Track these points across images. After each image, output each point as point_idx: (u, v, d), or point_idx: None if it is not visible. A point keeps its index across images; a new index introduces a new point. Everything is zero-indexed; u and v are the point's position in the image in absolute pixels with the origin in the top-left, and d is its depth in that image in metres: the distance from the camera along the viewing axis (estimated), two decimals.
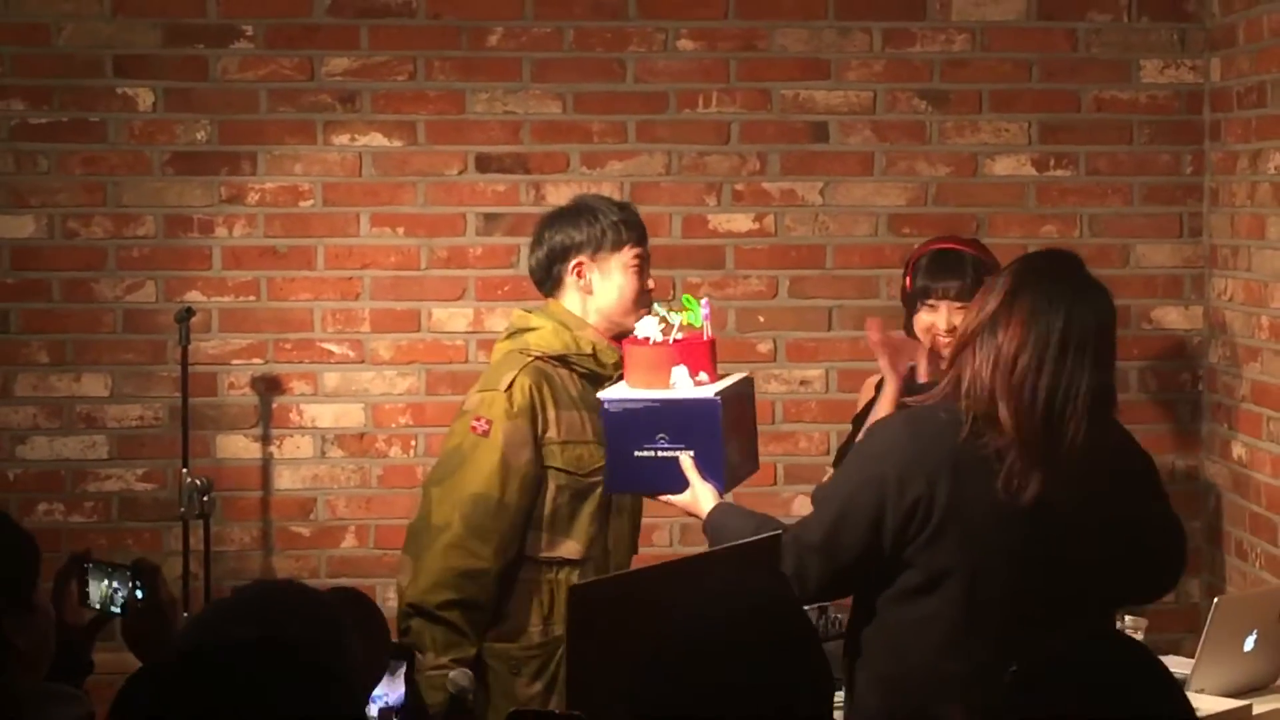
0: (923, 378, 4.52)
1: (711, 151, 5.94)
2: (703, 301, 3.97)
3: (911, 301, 4.78)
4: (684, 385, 3.81)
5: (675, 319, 3.90)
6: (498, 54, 5.90)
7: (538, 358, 4.29)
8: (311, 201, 5.88)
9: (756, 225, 5.96)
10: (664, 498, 3.79)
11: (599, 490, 4.24)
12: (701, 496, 3.73)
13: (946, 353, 4.80)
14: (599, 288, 4.34)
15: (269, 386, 5.84)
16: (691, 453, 3.74)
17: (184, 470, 5.49)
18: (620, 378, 4.18)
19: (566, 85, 5.91)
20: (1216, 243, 5.87)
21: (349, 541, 5.89)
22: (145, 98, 5.85)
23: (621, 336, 4.19)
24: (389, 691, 3.31)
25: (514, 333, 4.40)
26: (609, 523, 4.37)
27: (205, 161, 5.86)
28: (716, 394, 3.79)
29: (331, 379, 5.88)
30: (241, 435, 5.87)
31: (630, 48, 5.92)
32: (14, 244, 5.83)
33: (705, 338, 3.92)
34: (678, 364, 3.82)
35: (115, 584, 3.21)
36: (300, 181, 5.88)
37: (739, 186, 5.95)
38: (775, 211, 5.96)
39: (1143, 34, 5.96)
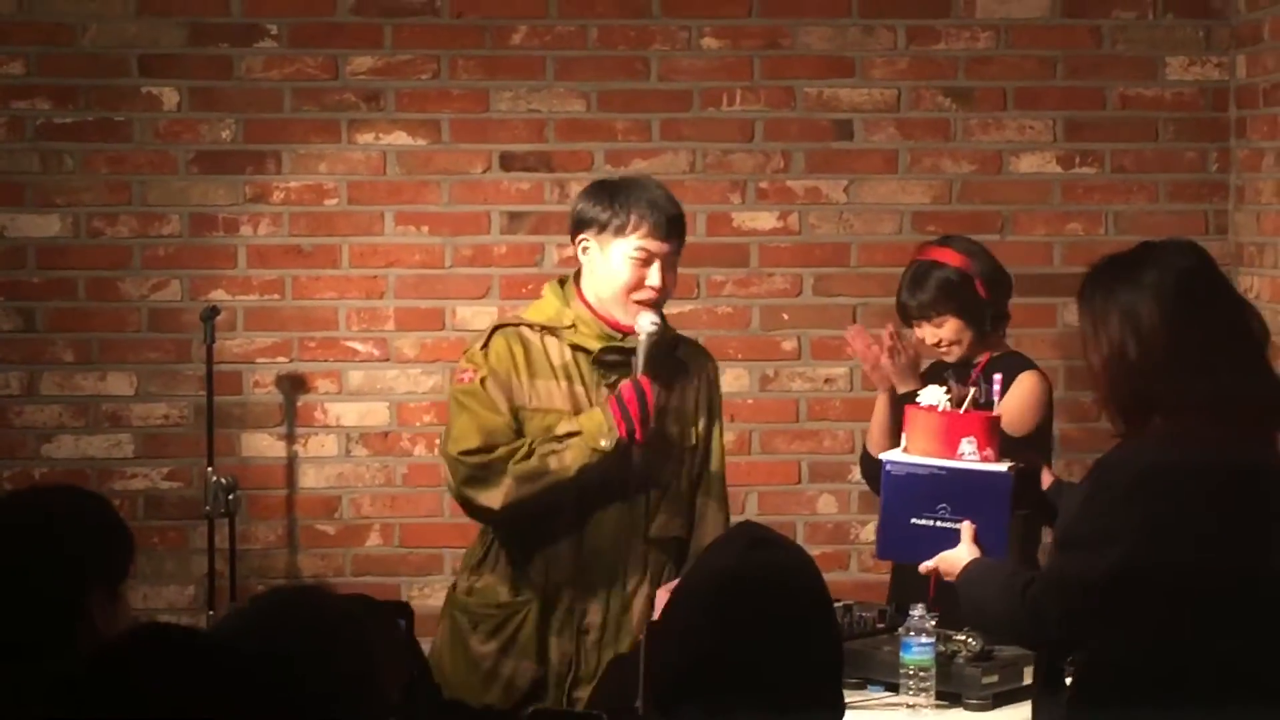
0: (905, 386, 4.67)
1: (736, 150, 5.94)
2: (995, 378, 3.97)
3: (903, 318, 4.98)
4: (971, 458, 3.76)
5: (967, 389, 3.92)
6: (521, 52, 5.90)
7: (521, 324, 4.30)
8: (336, 200, 5.89)
9: (781, 223, 5.95)
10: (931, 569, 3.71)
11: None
12: (965, 555, 3.64)
13: (948, 359, 4.91)
14: (599, 269, 4.29)
15: (294, 385, 5.85)
16: (971, 524, 3.68)
17: (209, 469, 5.50)
18: (607, 355, 4.21)
19: (590, 83, 5.91)
20: (1242, 240, 5.86)
21: (374, 540, 5.89)
22: (170, 97, 5.86)
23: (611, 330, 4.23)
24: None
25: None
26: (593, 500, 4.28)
27: (230, 160, 5.87)
28: (1010, 469, 3.75)
29: (356, 378, 5.88)
30: (266, 434, 5.88)
31: (654, 46, 5.92)
32: (40, 243, 5.84)
33: (994, 414, 3.89)
34: (969, 435, 3.77)
35: None
36: (325, 180, 5.89)
37: (763, 184, 5.95)
38: (799, 209, 5.95)
39: (1167, 31, 5.95)
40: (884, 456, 3.83)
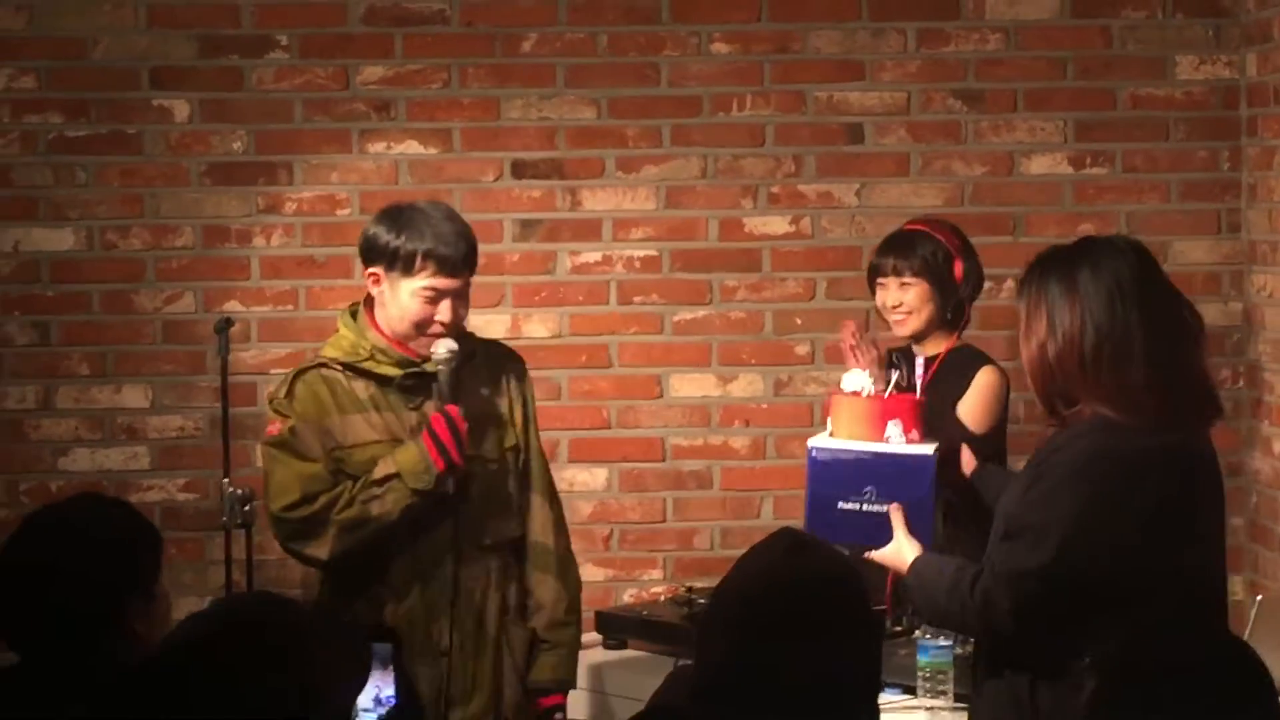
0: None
1: (746, 154, 5.94)
2: (919, 361, 3.95)
3: (870, 285, 4.95)
4: (897, 441, 3.75)
5: (891, 374, 3.88)
6: (531, 60, 5.90)
7: (321, 364, 4.27)
8: (348, 210, 5.90)
9: (793, 227, 5.95)
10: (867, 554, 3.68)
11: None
12: (905, 550, 3.62)
13: (898, 330, 4.89)
14: (389, 303, 4.25)
15: None
16: (899, 506, 3.66)
17: (225, 480, 5.49)
18: (408, 380, 4.19)
19: (601, 90, 5.92)
20: (1255, 238, 5.85)
21: None
22: (181, 109, 5.87)
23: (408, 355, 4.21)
24: (379, 682, 3.31)
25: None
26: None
27: (242, 172, 5.88)
28: (935, 451, 3.74)
29: None
30: None
31: (664, 52, 5.93)
32: (53, 257, 5.86)
33: (918, 396, 3.88)
34: (894, 419, 3.76)
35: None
36: (337, 190, 5.90)
37: (775, 189, 5.95)
38: (811, 213, 5.95)
39: (1177, 30, 5.94)
40: (810, 442, 3.81)
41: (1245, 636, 4.10)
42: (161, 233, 5.88)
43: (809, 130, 5.94)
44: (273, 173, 5.89)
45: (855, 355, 4.74)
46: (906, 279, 4.84)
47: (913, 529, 3.64)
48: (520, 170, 5.92)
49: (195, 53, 5.86)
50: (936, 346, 4.87)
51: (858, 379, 3.85)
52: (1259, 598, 4.20)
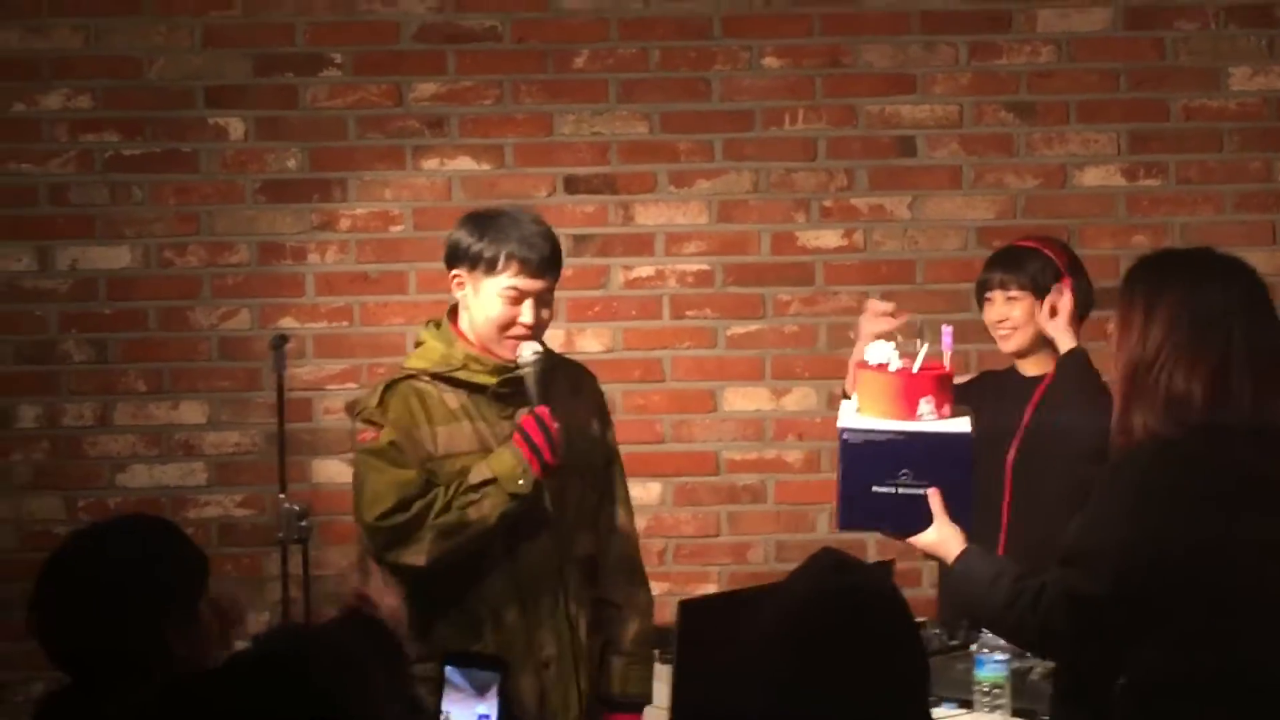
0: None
1: (799, 168, 5.95)
2: (945, 331, 3.71)
3: (978, 300, 4.88)
4: (930, 419, 3.57)
5: (919, 346, 3.67)
6: (584, 76, 5.92)
7: (410, 375, 4.24)
8: (402, 227, 5.92)
9: (845, 241, 5.96)
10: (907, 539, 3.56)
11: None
12: (950, 539, 3.49)
13: (1003, 345, 4.84)
14: (472, 305, 4.24)
15: None
16: (937, 490, 3.51)
17: (281, 495, 5.52)
18: (503, 388, 4.15)
19: (653, 105, 5.93)
20: None
21: None
22: (236, 127, 5.91)
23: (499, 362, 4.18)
24: (481, 709, 3.29)
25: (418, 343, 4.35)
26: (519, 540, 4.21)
27: (296, 189, 5.91)
28: (970, 426, 3.57)
29: None
30: (337, 460, 5.91)
31: (715, 66, 5.94)
32: (110, 274, 5.90)
33: (947, 368, 3.68)
34: (925, 395, 3.58)
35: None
36: (390, 207, 5.93)
37: (827, 203, 5.95)
38: (864, 227, 5.95)
39: (1231, 41, 5.93)
40: (840, 423, 3.61)
41: None
42: (217, 250, 5.92)
43: (861, 144, 5.94)
44: (327, 190, 5.92)
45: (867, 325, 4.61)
46: (1013, 293, 4.75)
47: (951, 511, 3.50)
48: (573, 186, 5.94)
49: (250, 71, 5.90)
50: (1040, 366, 4.79)
51: (882, 350, 3.67)
52: None
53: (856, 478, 3.53)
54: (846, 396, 4.80)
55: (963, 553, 3.48)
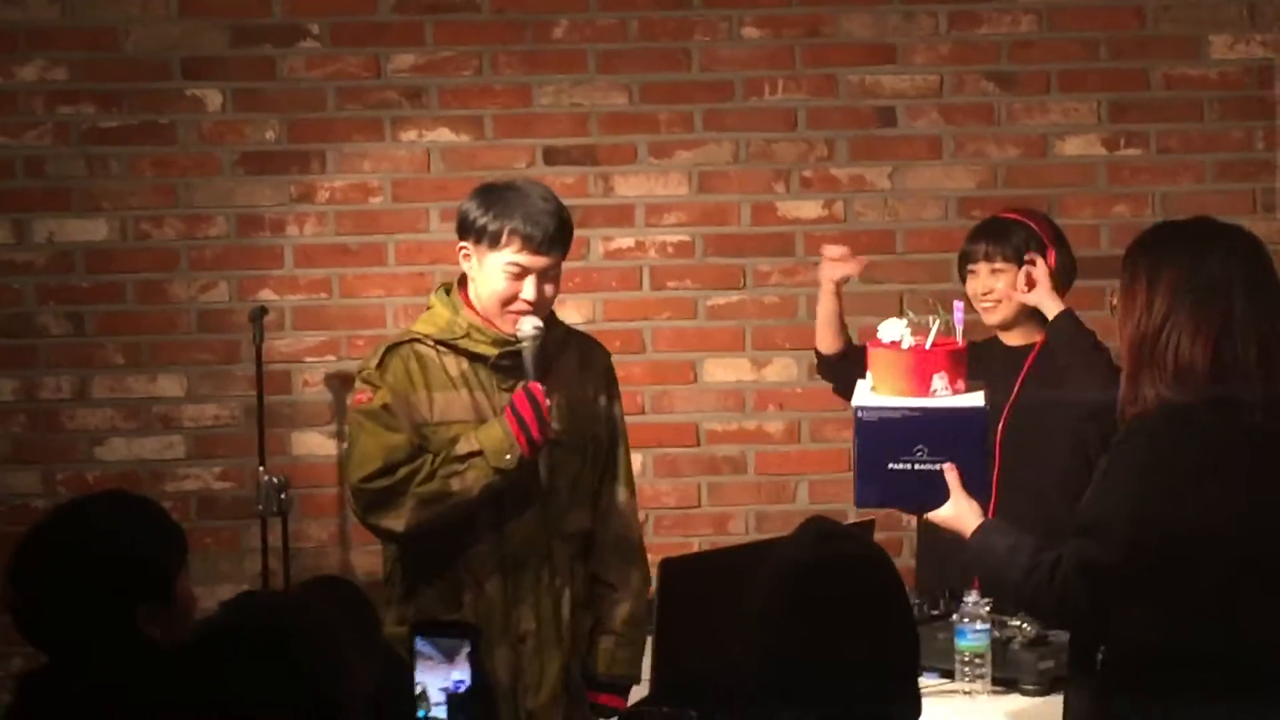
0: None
1: (779, 139, 5.94)
2: (957, 305, 3.77)
3: (961, 272, 4.86)
4: (944, 395, 3.61)
5: (932, 322, 3.70)
6: (563, 46, 5.90)
7: (414, 339, 4.23)
8: (381, 198, 5.91)
9: (825, 211, 5.95)
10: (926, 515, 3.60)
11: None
12: (967, 513, 3.52)
13: (987, 318, 4.83)
14: (477, 277, 4.22)
15: (343, 383, 5.86)
16: (954, 465, 3.54)
17: (261, 468, 5.52)
18: (503, 360, 4.14)
19: (632, 76, 5.91)
20: None
21: None
22: (213, 99, 5.89)
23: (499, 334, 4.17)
24: (456, 675, 3.28)
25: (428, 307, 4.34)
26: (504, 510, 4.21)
27: (274, 161, 5.89)
28: (984, 400, 3.61)
29: None
30: (316, 432, 5.90)
31: (695, 36, 5.92)
32: (87, 247, 5.87)
33: (959, 343, 3.72)
34: (939, 371, 3.63)
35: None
36: (369, 178, 5.91)
37: (807, 173, 5.94)
38: (844, 197, 5.95)
39: (1211, 9, 5.92)
40: (855, 401, 3.66)
41: None
42: (195, 222, 5.89)
43: (841, 114, 5.93)
44: (305, 161, 5.90)
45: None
46: (998, 265, 4.74)
47: (968, 486, 3.54)
48: (552, 157, 5.92)
49: (227, 42, 5.87)
50: (1024, 337, 4.78)
51: (895, 328, 3.71)
52: None
53: (872, 455, 3.59)
54: (818, 356, 4.86)
55: (980, 527, 3.51)
